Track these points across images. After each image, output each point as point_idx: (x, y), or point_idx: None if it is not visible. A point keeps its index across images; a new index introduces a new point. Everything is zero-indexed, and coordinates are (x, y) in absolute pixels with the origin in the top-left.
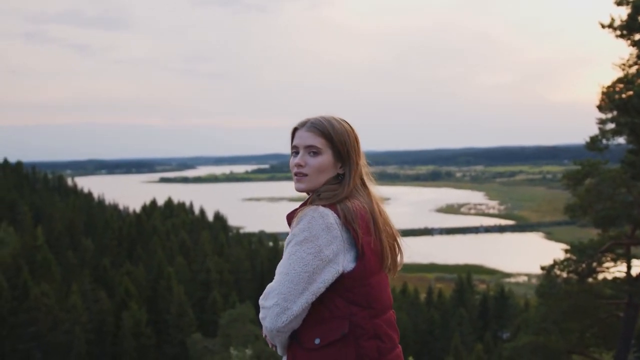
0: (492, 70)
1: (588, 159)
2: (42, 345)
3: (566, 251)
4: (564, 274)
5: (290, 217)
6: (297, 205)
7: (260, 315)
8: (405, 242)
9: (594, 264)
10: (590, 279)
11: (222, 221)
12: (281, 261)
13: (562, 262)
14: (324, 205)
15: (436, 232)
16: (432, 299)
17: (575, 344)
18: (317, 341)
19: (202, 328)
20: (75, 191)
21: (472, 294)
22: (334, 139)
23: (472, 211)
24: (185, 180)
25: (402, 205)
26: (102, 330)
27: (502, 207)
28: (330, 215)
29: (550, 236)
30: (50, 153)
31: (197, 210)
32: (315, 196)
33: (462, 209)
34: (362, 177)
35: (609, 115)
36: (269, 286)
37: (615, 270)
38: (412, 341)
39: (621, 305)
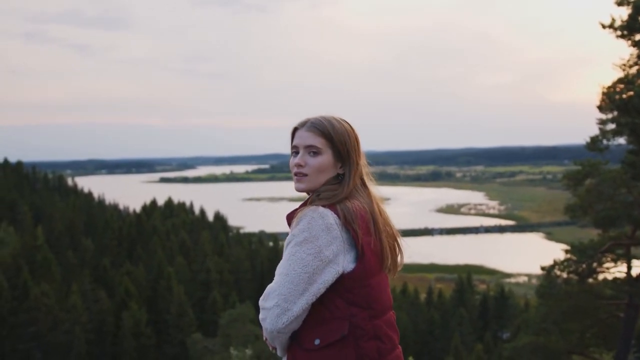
0: (492, 70)
1: (588, 159)
2: (42, 345)
3: (566, 251)
4: (564, 275)
5: (290, 218)
6: (297, 205)
7: (261, 316)
8: (405, 242)
9: (594, 265)
10: (590, 280)
11: (222, 221)
12: (281, 262)
13: (562, 262)
14: (323, 206)
15: (436, 232)
16: (432, 299)
17: (575, 345)
18: (317, 342)
19: (202, 328)
20: (75, 191)
21: (472, 294)
22: (334, 139)
23: (472, 211)
24: (185, 180)
25: (402, 205)
26: (102, 330)
27: (502, 208)
28: (330, 216)
29: (550, 236)
30: (51, 153)
31: (197, 210)
32: (315, 196)
33: (462, 209)
34: (363, 177)
35: (610, 116)
36: (269, 287)
37: (615, 270)
38: (412, 341)
39: (621, 305)
